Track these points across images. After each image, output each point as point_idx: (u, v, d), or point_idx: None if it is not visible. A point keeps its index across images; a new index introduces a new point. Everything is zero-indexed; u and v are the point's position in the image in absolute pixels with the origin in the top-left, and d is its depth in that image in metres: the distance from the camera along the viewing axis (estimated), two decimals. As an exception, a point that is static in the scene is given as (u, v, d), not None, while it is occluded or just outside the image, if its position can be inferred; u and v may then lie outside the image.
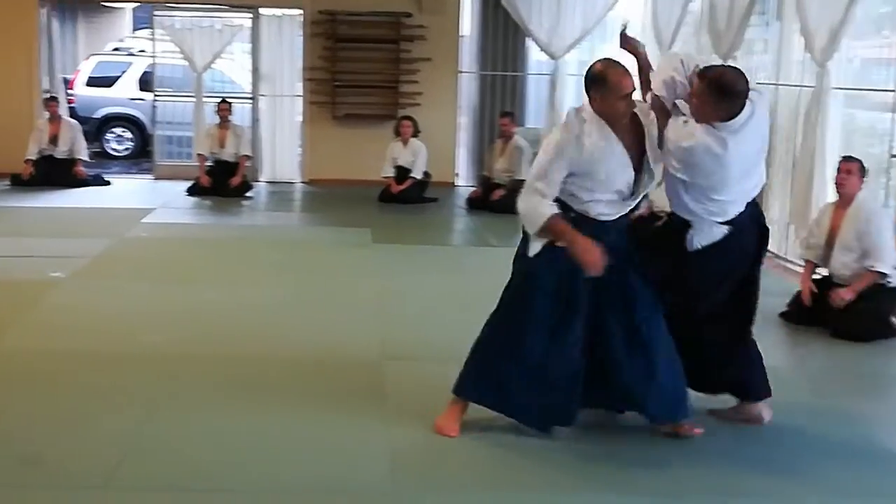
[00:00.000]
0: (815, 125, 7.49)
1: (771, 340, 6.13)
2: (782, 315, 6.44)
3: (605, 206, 4.14)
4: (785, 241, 8.49)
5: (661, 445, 4.28)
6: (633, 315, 4.16)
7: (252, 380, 4.99)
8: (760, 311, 6.57)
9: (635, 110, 4.17)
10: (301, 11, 12.34)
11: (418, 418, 4.46)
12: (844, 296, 6.06)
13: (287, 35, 12.59)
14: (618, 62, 4.13)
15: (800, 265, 8.05)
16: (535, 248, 4.18)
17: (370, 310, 6.43)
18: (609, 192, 4.12)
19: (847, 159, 6.28)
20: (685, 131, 4.07)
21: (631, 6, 12.68)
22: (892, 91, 7.01)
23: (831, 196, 7.47)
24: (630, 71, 4.12)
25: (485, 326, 4.36)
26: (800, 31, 7.91)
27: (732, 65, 4.29)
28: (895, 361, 5.87)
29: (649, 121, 4.19)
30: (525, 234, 4.25)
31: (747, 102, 4.08)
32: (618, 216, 4.19)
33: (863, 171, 6.21)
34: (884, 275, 6.02)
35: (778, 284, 7.48)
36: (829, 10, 7.35)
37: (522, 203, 4.16)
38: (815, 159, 7.45)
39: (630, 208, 4.25)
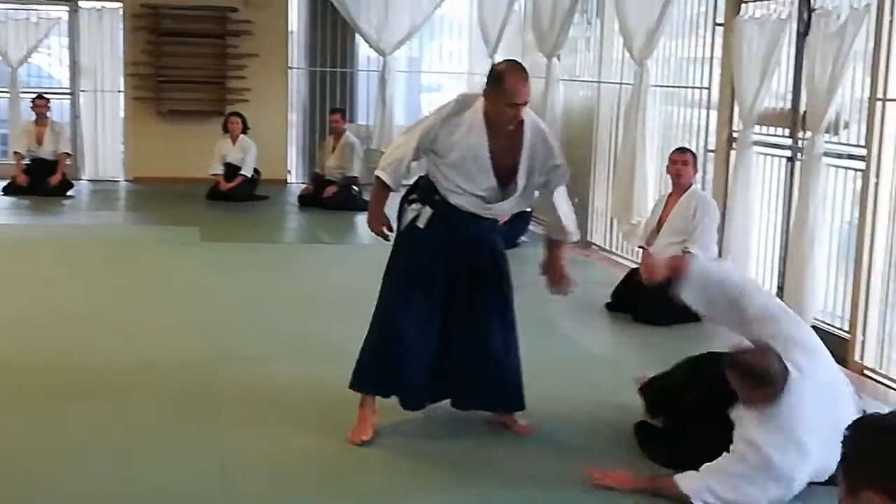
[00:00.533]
0: (634, 122, 7.75)
1: (600, 331, 6.35)
2: (607, 306, 6.64)
3: (463, 200, 4.10)
4: (609, 234, 8.77)
5: (492, 439, 4.35)
6: (482, 309, 4.19)
7: (75, 387, 4.80)
8: (589, 302, 6.82)
9: (529, 128, 4.03)
10: (121, 4, 11.98)
11: (251, 421, 4.41)
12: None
13: (107, 28, 12.18)
14: (522, 67, 4.03)
15: (624, 257, 8.36)
16: (402, 225, 4.20)
17: (200, 310, 6.30)
18: (467, 190, 4.07)
19: (681, 151, 6.52)
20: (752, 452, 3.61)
21: (457, 4, 12.86)
22: (707, 88, 7.32)
23: (652, 190, 7.77)
24: (529, 80, 4.01)
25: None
26: (619, 31, 8.18)
27: (754, 345, 3.74)
28: (689, 345, 6.00)
29: (540, 143, 4.07)
30: (400, 207, 4.24)
31: (792, 372, 3.59)
32: (478, 213, 4.14)
33: (695, 159, 6.48)
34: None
35: (603, 276, 7.72)
36: (646, 11, 7.62)
37: (391, 154, 4.19)
38: (636, 155, 7.71)
39: (497, 215, 4.24)
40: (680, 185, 6.44)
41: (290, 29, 12.44)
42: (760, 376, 3.57)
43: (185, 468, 3.92)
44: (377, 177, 4.18)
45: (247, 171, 10.83)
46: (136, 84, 12.02)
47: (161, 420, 4.40)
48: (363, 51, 12.79)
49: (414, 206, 4.18)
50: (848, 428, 2.06)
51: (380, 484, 3.90)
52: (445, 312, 4.18)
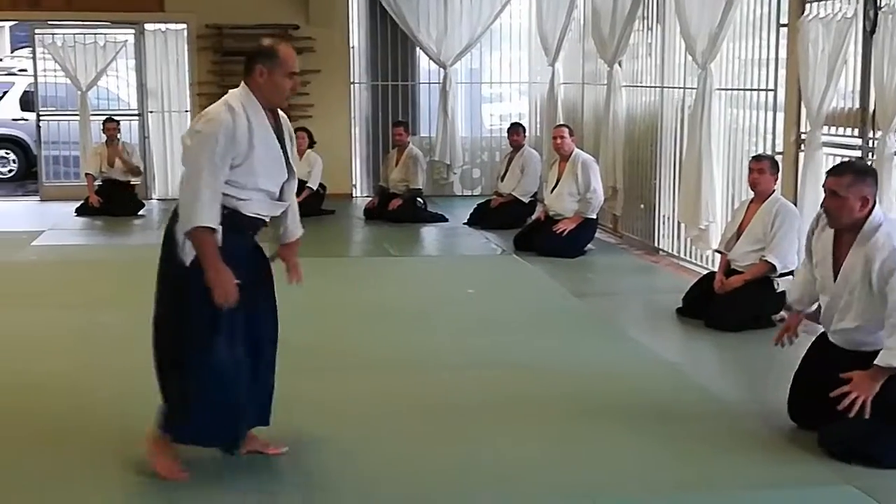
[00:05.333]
0: (699, 126, 7.70)
1: (671, 337, 6.31)
2: (678, 311, 6.59)
3: (258, 205, 3.92)
4: (676, 239, 8.71)
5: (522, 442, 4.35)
6: (273, 323, 4.13)
7: (147, 403, 4.87)
8: (659, 309, 6.80)
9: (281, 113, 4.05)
10: (186, 25, 12.19)
11: (327, 431, 4.46)
12: (733, 282, 6.26)
13: (173, 50, 12.43)
14: (287, 42, 4.03)
15: (692, 262, 8.30)
16: (190, 255, 3.81)
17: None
18: (262, 190, 3.91)
19: (758, 159, 6.43)
20: None
21: (516, 13, 12.89)
22: (772, 90, 7.25)
23: (720, 194, 7.71)
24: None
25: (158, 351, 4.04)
26: (680, 35, 8.14)
27: None
28: (762, 351, 5.91)
29: (288, 131, 4.07)
30: (172, 237, 3.88)
31: None
32: (271, 215, 4.03)
33: (775, 167, 6.39)
34: (774, 268, 6.21)
35: (671, 281, 7.68)
36: (707, 14, 7.57)
37: (184, 196, 3.77)
38: (702, 159, 7.66)
39: (281, 210, 4.08)
40: (759, 193, 6.37)
41: (351, 44, 12.58)
42: None
43: (264, 480, 3.97)
44: (199, 228, 3.70)
45: (313, 185, 10.93)
46: (203, 104, 12.20)
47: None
48: (424, 63, 12.90)
49: None
50: None
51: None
52: (249, 330, 3.99)
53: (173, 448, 3.99)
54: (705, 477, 4.05)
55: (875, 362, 4.06)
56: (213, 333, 3.83)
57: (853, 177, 4.22)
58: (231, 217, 3.83)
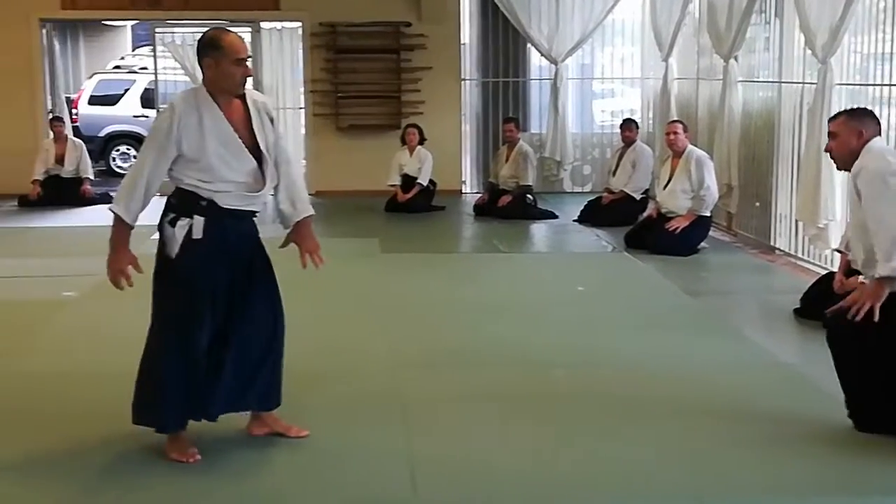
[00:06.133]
0: (819, 122, 7.50)
1: (789, 338, 6.16)
2: (796, 311, 6.43)
3: (233, 198, 4.00)
4: (794, 238, 8.50)
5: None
6: (247, 309, 4.10)
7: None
8: (776, 309, 6.64)
9: (250, 99, 4.07)
10: (300, 24, 12.39)
11: (438, 427, 4.49)
12: (854, 283, 6.07)
13: (288, 48, 12.65)
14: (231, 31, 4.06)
15: (810, 261, 8.09)
16: (174, 249, 4.00)
17: (383, 319, 6.44)
18: (229, 182, 3.98)
19: None
20: None
21: (629, 8, 12.75)
22: (894, 86, 7.02)
23: (840, 192, 7.50)
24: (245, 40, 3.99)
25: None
26: (800, 28, 7.94)
27: None
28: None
29: (265, 114, 4.09)
30: (161, 230, 4.04)
31: None
32: (250, 207, 4.08)
33: None
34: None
35: (789, 281, 7.52)
36: (828, 6, 7.37)
37: (123, 183, 4.02)
38: (822, 156, 7.45)
39: (264, 201, 4.13)
40: None
41: (462, 41, 12.61)
42: None
43: (375, 475, 3.99)
44: (111, 211, 3.99)
45: (423, 181, 10.98)
46: (316, 100, 12.41)
47: (347, 426, 4.51)
48: (535, 59, 12.86)
49: (181, 222, 3.99)
50: None
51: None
52: (223, 319, 4.06)
53: (180, 435, 4.10)
54: (822, 480, 3.95)
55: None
56: (178, 323, 3.98)
57: (847, 116, 4.54)
58: (210, 207, 3.98)
